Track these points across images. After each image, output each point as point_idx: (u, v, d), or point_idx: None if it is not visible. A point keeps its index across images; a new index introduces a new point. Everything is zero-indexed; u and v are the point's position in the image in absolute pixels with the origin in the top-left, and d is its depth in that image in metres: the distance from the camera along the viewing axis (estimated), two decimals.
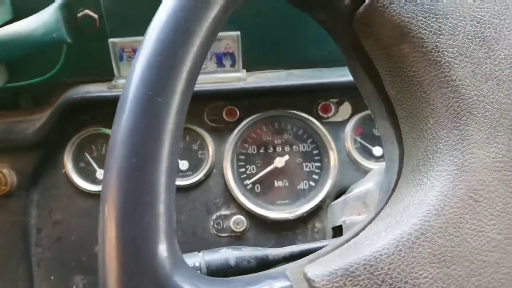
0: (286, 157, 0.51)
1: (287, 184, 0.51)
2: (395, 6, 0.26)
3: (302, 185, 0.51)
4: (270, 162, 0.51)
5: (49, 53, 0.48)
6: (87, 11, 0.46)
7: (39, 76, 0.49)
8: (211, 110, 0.51)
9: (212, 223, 0.50)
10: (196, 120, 0.51)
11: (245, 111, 0.51)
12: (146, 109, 0.22)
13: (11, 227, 0.49)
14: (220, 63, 0.50)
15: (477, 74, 0.26)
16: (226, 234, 0.50)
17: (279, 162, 0.51)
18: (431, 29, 0.26)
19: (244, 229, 0.49)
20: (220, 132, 0.51)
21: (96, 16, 0.46)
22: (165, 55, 0.23)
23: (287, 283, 0.22)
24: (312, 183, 0.51)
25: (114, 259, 0.20)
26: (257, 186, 0.51)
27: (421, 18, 0.26)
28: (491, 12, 0.27)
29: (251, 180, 0.51)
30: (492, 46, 0.26)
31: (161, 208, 0.21)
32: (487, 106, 0.25)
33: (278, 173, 0.51)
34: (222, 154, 0.50)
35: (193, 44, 0.23)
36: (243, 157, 0.52)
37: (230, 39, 0.49)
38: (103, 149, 0.50)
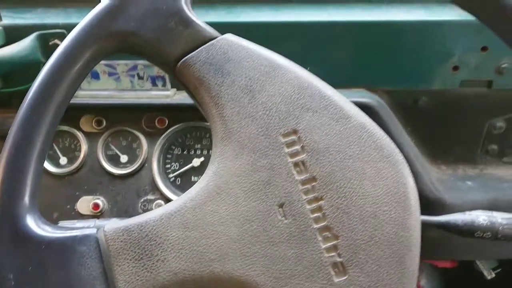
0: (202, 158, 0.66)
1: None
2: (197, 65, 0.40)
3: None
4: (190, 161, 0.66)
5: (31, 69, 0.65)
6: (56, 41, 0.63)
7: (24, 85, 0.67)
8: (147, 118, 0.66)
9: (140, 204, 0.65)
10: (135, 125, 0.66)
11: (172, 121, 0.66)
12: (25, 120, 0.37)
13: None
14: (154, 83, 0.65)
15: (240, 113, 0.39)
16: None
17: (196, 162, 0.66)
18: (217, 82, 0.40)
19: None
20: (153, 135, 0.66)
21: None
22: (42, 91, 0.38)
23: (94, 230, 0.37)
24: None
25: None
26: (178, 179, 0.67)
27: (212, 74, 0.40)
28: (261, 72, 0.40)
29: (174, 174, 0.67)
30: (255, 95, 0.39)
31: (27, 179, 0.36)
32: (241, 134, 0.39)
33: (195, 170, 0.66)
34: (152, 153, 0.66)
35: (60, 88, 0.38)
36: (169, 156, 0.67)
37: None
38: (66, 141, 0.67)
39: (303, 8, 0.64)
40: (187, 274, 0.36)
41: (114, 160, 0.67)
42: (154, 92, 0.66)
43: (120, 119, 0.66)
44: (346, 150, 0.38)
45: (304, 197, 0.37)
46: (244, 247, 0.36)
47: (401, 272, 0.36)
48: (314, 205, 0.37)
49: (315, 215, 0.37)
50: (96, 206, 0.65)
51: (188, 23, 0.40)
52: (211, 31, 0.41)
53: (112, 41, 0.40)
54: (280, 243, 0.36)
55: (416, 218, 0.37)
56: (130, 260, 0.36)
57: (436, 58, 0.63)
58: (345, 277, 0.36)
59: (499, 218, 0.50)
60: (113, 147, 0.67)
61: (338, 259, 0.36)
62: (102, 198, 0.66)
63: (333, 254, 0.36)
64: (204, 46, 0.40)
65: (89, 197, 0.66)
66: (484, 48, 0.61)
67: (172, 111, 0.66)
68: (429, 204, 0.65)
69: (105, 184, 0.66)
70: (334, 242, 0.36)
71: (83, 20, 0.40)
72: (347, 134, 0.38)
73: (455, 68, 0.63)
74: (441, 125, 0.69)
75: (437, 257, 0.78)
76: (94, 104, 0.65)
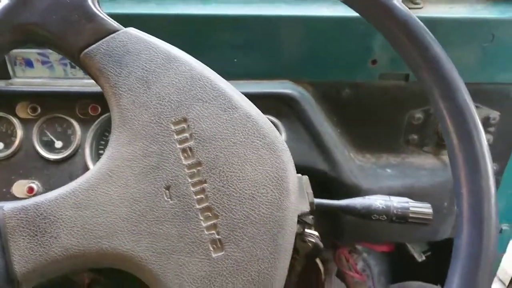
0: None
1: None
2: (97, 56, 0.43)
3: None
4: None
5: None
6: None
7: None
8: (80, 106, 0.69)
9: None
10: (69, 112, 0.69)
11: (105, 108, 0.69)
12: None
13: None
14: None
15: (135, 102, 0.42)
16: None
17: None
18: (115, 72, 0.43)
19: None
20: (86, 122, 0.69)
21: None
22: None
23: None
24: None
25: None
26: None
27: (111, 65, 0.43)
28: (157, 64, 0.43)
29: None
30: (151, 86, 0.42)
31: None
32: (135, 122, 0.42)
33: None
34: (85, 139, 0.69)
35: None
36: (102, 142, 0.70)
37: None
38: (3, 127, 0.69)
39: (230, 2, 0.67)
40: (78, 250, 0.39)
41: (49, 145, 0.69)
42: (86, 81, 0.68)
43: (54, 106, 0.69)
44: (231, 138, 0.41)
45: (189, 180, 0.40)
46: (131, 225, 0.40)
47: (274, 248, 0.39)
48: (198, 187, 0.40)
49: (198, 196, 0.40)
50: (30, 189, 0.67)
51: (91, 16, 0.43)
52: (114, 24, 0.44)
53: (17, 33, 0.43)
54: (165, 222, 0.40)
55: (292, 200, 0.41)
56: (25, 236, 0.39)
57: (356, 52, 0.67)
58: (222, 253, 0.39)
59: (395, 202, 0.54)
60: (48, 133, 0.69)
61: (217, 237, 0.40)
62: (36, 182, 0.68)
63: (212, 232, 0.40)
64: (105, 39, 0.43)
65: (24, 181, 0.68)
66: None
67: (104, 99, 0.68)
68: (346, 190, 0.69)
69: (40, 169, 0.68)
70: (214, 221, 0.40)
71: None
72: (233, 123, 0.42)
73: (374, 62, 0.67)
74: (365, 115, 0.73)
75: (362, 239, 0.83)
76: (29, 91, 0.67)
